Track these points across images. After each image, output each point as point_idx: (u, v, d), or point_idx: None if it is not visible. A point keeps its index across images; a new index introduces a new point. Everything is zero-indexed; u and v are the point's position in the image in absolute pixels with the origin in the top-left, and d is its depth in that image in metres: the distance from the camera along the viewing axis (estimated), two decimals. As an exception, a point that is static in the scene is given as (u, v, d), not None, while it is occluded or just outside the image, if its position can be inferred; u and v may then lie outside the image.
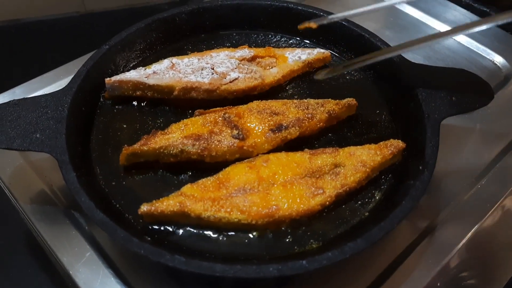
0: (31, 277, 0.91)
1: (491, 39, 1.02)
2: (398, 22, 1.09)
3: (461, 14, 1.10)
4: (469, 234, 0.71)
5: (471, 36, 1.03)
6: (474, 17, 1.10)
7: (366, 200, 0.68)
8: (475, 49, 1.01)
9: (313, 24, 0.80)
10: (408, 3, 1.06)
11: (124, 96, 0.79)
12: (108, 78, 0.77)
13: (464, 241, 0.70)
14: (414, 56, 0.85)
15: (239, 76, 0.79)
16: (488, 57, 1.00)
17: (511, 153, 0.82)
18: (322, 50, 0.86)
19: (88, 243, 0.68)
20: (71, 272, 0.65)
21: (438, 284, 0.66)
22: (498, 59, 0.99)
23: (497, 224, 0.73)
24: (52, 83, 0.89)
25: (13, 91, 0.90)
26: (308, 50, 0.86)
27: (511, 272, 0.70)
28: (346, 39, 0.87)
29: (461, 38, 1.03)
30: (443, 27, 1.07)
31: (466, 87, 0.75)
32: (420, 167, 0.65)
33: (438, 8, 1.12)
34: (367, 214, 0.66)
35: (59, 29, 1.42)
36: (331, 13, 0.88)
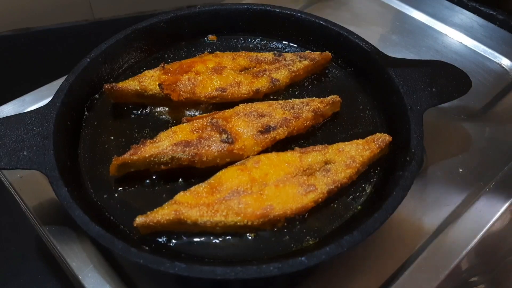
0: (41, 283, 0.92)
1: (498, 42, 1.02)
2: (404, 26, 1.09)
3: (467, 18, 1.09)
4: (478, 238, 0.71)
5: (478, 39, 1.03)
6: (481, 21, 1.08)
7: (358, 194, 0.69)
8: (482, 53, 1.01)
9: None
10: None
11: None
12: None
13: (472, 245, 0.70)
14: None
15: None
16: (495, 60, 1.00)
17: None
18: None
19: (97, 248, 0.68)
20: (80, 277, 0.65)
21: (447, 288, 0.67)
22: (506, 62, 0.99)
23: (506, 228, 0.74)
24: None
25: (23, 98, 0.90)
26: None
27: (521, 276, 0.71)
28: (325, 38, 0.89)
29: (468, 42, 1.03)
30: (449, 31, 1.07)
31: (445, 78, 0.77)
32: (408, 158, 0.67)
33: (444, 11, 1.11)
34: (359, 207, 0.68)
35: (68, 37, 1.43)
36: (311, 15, 0.89)
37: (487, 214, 0.74)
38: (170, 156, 0.68)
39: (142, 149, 0.69)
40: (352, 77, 0.86)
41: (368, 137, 0.72)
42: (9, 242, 0.98)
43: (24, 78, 1.29)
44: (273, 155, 0.69)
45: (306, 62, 0.84)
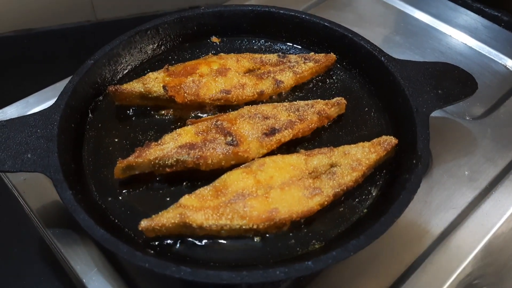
0: (44, 286, 0.91)
1: (503, 44, 1.02)
2: (408, 27, 1.08)
3: (471, 19, 1.09)
4: (484, 241, 0.71)
5: (483, 41, 1.03)
6: (485, 22, 1.08)
7: (364, 197, 0.69)
8: (487, 54, 1.01)
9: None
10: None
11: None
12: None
13: (478, 248, 0.70)
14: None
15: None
16: (500, 61, 1.00)
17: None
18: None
19: (101, 252, 0.68)
20: (84, 281, 0.65)
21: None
22: (510, 64, 0.99)
23: (512, 231, 0.73)
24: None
25: (27, 100, 0.90)
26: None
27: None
28: (330, 39, 0.88)
29: (472, 43, 1.03)
30: (454, 32, 1.06)
31: (451, 80, 0.76)
32: (414, 161, 0.66)
33: (448, 13, 1.10)
34: (365, 210, 0.67)
35: (70, 38, 1.44)
36: (315, 16, 0.89)
37: (493, 216, 0.74)
38: (175, 159, 0.68)
39: (147, 152, 0.68)
40: (357, 79, 0.86)
41: (374, 140, 0.71)
42: (12, 245, 0.98)
43: (27, 79, 1.29)
44: (278, 158, 0.69)
45: (310, 64, 0.84)
